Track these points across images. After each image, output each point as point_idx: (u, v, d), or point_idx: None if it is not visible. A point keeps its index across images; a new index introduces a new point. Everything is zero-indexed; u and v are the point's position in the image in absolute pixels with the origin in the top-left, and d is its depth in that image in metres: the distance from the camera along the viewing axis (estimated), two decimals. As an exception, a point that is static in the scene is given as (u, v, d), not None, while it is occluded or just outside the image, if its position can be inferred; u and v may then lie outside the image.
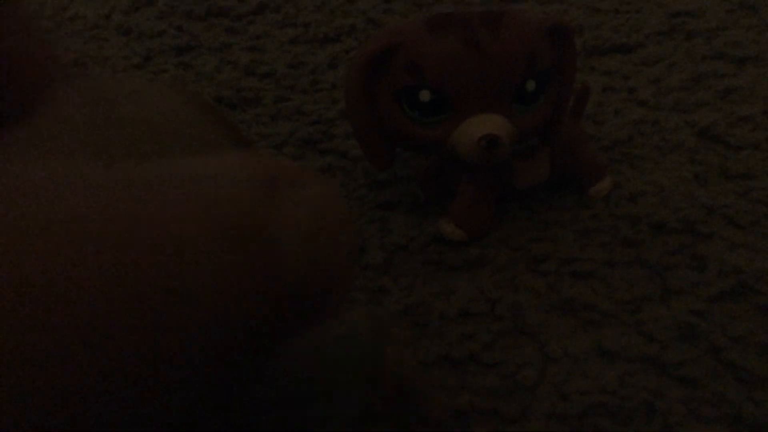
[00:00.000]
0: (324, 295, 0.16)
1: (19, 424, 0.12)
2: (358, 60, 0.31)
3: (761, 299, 0.29)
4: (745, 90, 0.42)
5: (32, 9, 0.55)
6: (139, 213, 0.13)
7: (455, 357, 0.28)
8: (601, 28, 0.50)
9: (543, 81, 0.31)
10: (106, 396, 0.13)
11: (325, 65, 0.49)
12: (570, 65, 0.32)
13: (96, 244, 0.13)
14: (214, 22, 0.56)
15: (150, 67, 0.50)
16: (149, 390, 0.13)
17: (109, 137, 0.16)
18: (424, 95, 0.30)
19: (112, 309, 0.13)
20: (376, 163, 0.33)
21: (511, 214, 0.35)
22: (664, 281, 0.31)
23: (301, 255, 0.16)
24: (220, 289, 0.14)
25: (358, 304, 0.30)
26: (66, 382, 0.12)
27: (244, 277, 0.14)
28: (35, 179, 0.14)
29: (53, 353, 0.12)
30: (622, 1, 0.54)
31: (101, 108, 0.17)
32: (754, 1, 0.52)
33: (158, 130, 0.17)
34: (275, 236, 0.15)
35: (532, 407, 0.26)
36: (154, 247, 0.13)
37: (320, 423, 0.18)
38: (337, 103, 0.45)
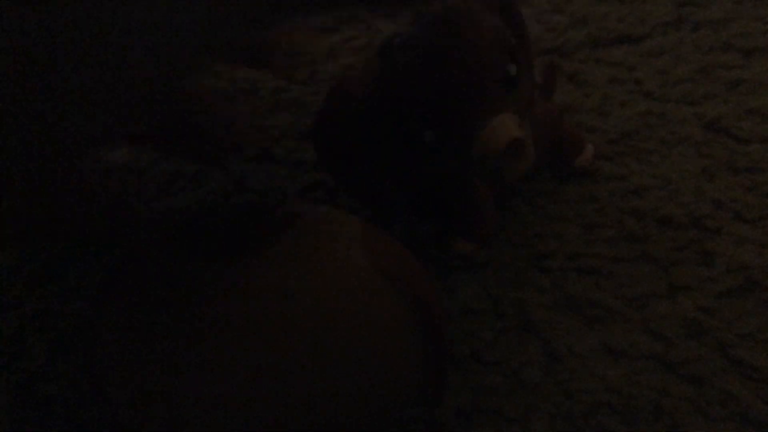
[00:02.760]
0: None
1: None
2: (322, 125, 0.30)
3: (770, 296, 0.29)
4: (753, 82, 0.42)
5: None
6: None
7: (457, 355, 0.28)
8: (606, 18, 0.49)
9: (517, 60, 0.29)
10: None
11: (324, 55, 0.48)
12: (524, 35, 0.31)
13: None
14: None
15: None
16: None
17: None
18: (429, 135, 0.28)
19: None
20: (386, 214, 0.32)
21: (514, 209, 0.35)
22: (670, 277, 0.30)
23: None
24: None
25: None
26: None
27: None
28: None
29: None
30: (627, -9, 0.53)
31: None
32: (762, -9, 0.51)
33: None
34: None
35: (536, 406, 0.26)
36: None
37: None
38: (337, 94, 0.44)
